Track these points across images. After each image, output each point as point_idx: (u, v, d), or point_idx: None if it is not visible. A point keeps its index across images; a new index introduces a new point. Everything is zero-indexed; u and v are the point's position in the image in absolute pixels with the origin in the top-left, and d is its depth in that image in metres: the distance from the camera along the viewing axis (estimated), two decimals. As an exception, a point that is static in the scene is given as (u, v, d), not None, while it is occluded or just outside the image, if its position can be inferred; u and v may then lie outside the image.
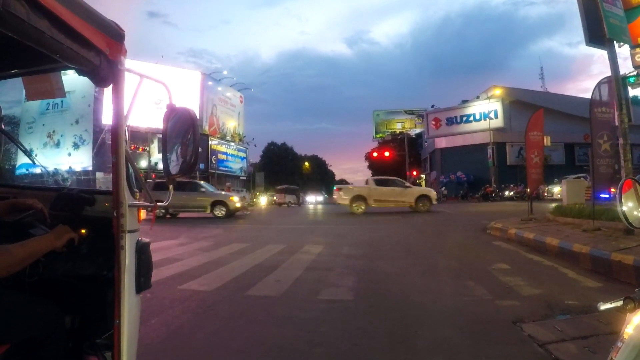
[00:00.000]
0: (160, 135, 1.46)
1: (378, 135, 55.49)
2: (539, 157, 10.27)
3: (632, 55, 7.91)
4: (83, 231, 1.44)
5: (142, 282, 1.30)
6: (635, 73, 8.09)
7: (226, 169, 43.50)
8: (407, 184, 17.82)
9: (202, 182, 17.24)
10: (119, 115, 1.22)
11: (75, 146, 32.79)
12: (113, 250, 1.23)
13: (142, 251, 1.31)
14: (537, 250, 6.04)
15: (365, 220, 13.36)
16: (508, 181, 31.51)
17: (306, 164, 67.29)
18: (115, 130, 1.21)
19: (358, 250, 6.53)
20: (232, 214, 15.08)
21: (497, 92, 35.79)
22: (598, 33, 6.88)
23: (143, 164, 30.78)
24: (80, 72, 1.16)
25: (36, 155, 2.16)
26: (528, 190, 11.28)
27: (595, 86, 7.06)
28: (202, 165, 35.97)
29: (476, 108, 38.69)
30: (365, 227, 10.83)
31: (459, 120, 39.48)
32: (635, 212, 1.11)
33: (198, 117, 2.15)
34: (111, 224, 1.22)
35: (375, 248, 6.81)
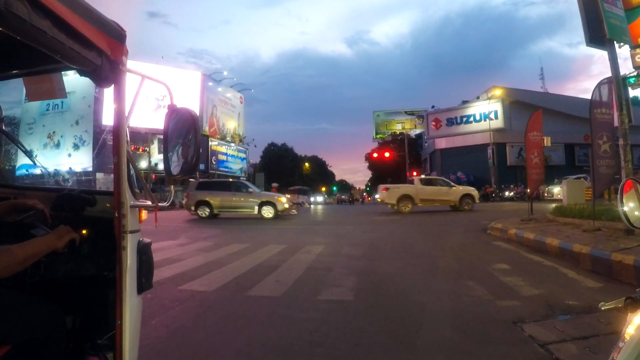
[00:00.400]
0: (161, 136, 1.46)
1: (378, 136, 55.52)
2: (539, 158, 10.27)
3: (633, 56, 7.93)
4: (84, 232, 1.44)
5: (144, 282, 1.30)
6: (635, 73, 8.11)
7: (226, 169, 43.50)
8: (452, 184, 17.82)
9: (247, 182, 16.70)
10: (120, 116, 1.22)
11: (76, 147, 32.81)
12: (114, 251, 1.23)
13: (144, 252, 1.31)
14: (538, 251, 6.03)
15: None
16: (508, 182, 31.54)
17: (306, 164, 67.34)
18: (117, 131, 1.22)
19: (359, 250, 6.53)
20: (279, 215, 14.75)
21: (497, 92, 35.82)
22: (598, 33, 6.88)
23: (143, 164, 30.79)
24: (82, 73, 1.16)
25: (36, 156, 2.16)
26: (528, 190, 11.28)
27: (595, 87, 7.06)
28: (202, 166, 35.98)
29: (476, 109, 38.72)
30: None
31: (459, 120, 39.51)
32: (636, 213, 1.11)
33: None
34: (112, 225, 1.22)
35: (375, 248, 6.81)
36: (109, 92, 1.25)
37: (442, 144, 40.91)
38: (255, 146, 54.36)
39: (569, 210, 8.78)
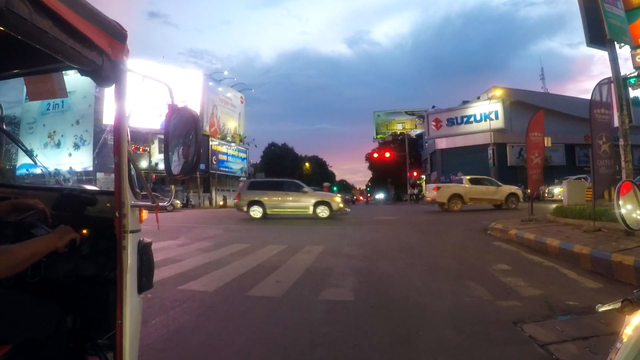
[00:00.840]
0: (161, 136, 1.47)
1: (378, 136, 55.54)
2: (540, 158, 10.26)
3: (633, 56, 7.90)
4: (85, 231, 1.44)
5: (144, 282, 1.30)
6: (635, 74, 8.08)
7: (227, 169, 43.54)
8: (499, 183, 18.14)
9: (299, 181, 16.37)
10: (121, 116, 1.22)
11: (76, 146, 32.86)
12: (115, 251, 1.23)
13: (144, 251, 1.31)
14: (538, 251, 6.03)
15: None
16: (508, 182, 31.43)
17: (307, 164, 67.31)
18: (118, 131, 1.22)
19: (360, 250, 6.53)
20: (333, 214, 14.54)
21: (498, 92, 35.80)
22: (599, 34, 6.88)
23: (143, 164, 30.81)
24: (83, 72, 1.16)
25: (37, 156, 2.16)
26: (528, 191, 11.28)
27: (595, 87, 7.05)
28: (202, 166, 36.02)
29: (477, 109, 38.69)
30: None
31: (459, 121, 39.48)
32: (634, 215, 1.10)
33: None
34: (113, 224, 1.22)
35: (376, 248, 6.80)
36: (109, 92, 1.25)
37: (442, 144, 40.89)
38: (255, 146, 54.50)
39: (569, 210, 8.77)
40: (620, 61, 7.13)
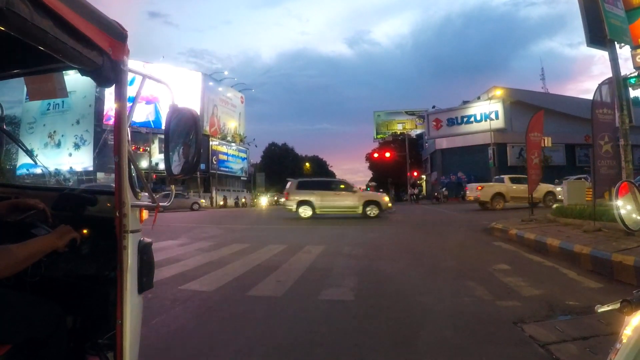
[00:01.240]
0: (162, 136, 1.47)
1: (379, 136, 55.56)
2: (539, 159, 10.27)
3: (633, 56, 7.89)
4: (85, 231, 1.43)
5: (144, 282, 1.30)
6: (636, 74, 8.06)
7: (227, 169, 43.57)
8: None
9: (347, 181, 16.31)
10: (121, 115, 1.22)
11: (76, 146, 32.89)
12: (115, 251, 1.23)
13: (144, 251, 1.31)
14: (538, 251, 6.03)
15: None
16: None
17: (307, 164, 67.28)
18: (118, 130, 1.22)
19: (360, 250, 6.53)
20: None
21: (498, 92, 35.80)
22: (599, 34, 6.87)
23: (144, 164, 30.83)
24: (83, 72, 1.16)
25: (37, 156, 2.16)
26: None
27: (597, 87, 7.05)
28: (202, 166, 36.04)
29: (477, 109, 38.70)
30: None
31: (459, 121, 39.48)
32: (633, 215, 1.10)
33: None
34: (113, 224, 1.22)
35: (376, 248, 6.80)
36: (110, 92, 1.25)
37: (442, 144, 40.88)
38: (255, 146, 54.54)
39: (569, 210, 8.76)
40: (620, 61, 7.13)
